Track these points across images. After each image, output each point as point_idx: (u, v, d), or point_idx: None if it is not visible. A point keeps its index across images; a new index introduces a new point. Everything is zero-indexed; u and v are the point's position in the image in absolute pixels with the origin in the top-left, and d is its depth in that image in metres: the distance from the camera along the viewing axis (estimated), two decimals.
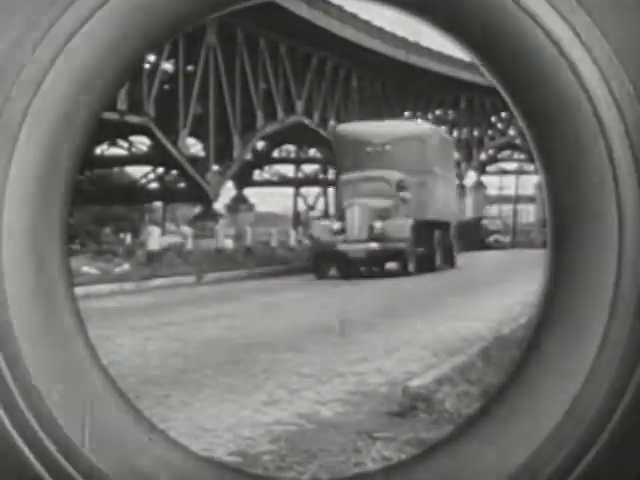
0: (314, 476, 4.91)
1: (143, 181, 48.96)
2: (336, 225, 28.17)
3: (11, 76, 2.00)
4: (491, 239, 72.58)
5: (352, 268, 28.06)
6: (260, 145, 55.87)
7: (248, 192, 57.36)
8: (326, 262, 27.75)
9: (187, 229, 40.10)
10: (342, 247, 27.29)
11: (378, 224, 27.43)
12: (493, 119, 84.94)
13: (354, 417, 6.33)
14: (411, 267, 27.54)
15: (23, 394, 1.98)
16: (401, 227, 27.61)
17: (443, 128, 40.89)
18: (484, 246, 69.05)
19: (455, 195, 36.47)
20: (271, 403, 6.87)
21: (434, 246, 30.14)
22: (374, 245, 27.20)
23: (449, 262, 32.21)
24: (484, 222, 76.24)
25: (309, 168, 68.41)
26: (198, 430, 6.01)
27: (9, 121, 2.00)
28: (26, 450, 1.99)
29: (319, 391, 7.35)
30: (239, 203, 54.69)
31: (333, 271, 28.42)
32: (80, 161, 2.12)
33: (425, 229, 29.05)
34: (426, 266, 28.66)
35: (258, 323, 13.73)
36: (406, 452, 5.23)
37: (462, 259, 36.82)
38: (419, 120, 35.59)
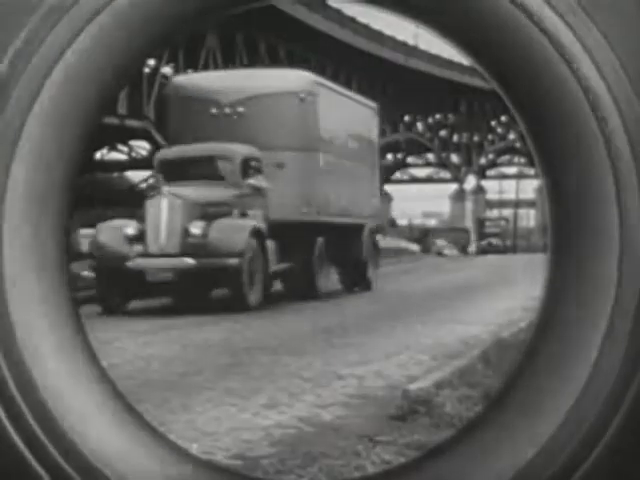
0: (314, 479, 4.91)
1: (143, 185, 48.96)
2: (130, 228, 16.90)
3: (11, 80, 2.01)
4: (484, 242, 72.47)
5: (164, 297, 17.97)
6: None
7: None
8: (116, 287, 16.44)
9: None
10: (137, 264, 16.45)
11: (197, 228, 16.86)
12: (493, 123, 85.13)
13: None
14: (253, 298, 16.84)
15: (23, 394, 1.98)
16: (233, 233, 16.88)
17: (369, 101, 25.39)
18: (479, 250, 69.00)
19: (373, 187, 24.75)
20: None
21: (313, 262, 19.59)
22: (188, 262, 16.50)
23: (361, 283, 22.42)
24: (487, 224, 76.22)
25: None
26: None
27: (9, 125, 2.01)
28: (26, 451, 1.99)
29: None
30: None
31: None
32: (80, 165, 2.12)
33: (302, 236, 19.33)
34: (305, 291, 19.23)
35: None
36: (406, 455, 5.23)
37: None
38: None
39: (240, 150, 18.29)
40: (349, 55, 52.35)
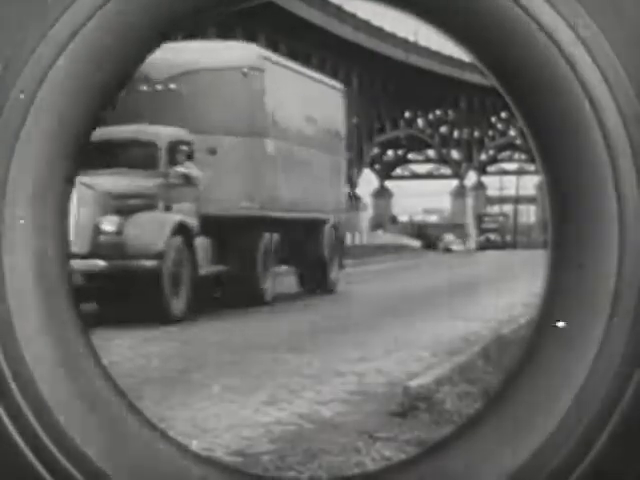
0: (314, 476, 4.92)
1: None
2: None
3: (11, 76, 2.01)
4: (481, 238, 72.44)
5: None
6: None
7: None
8: None
9: None
10: None
11: (110, 224, 14.46)
12: (493, 119, 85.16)
13: None
14: (176, 307, 14.31)
15: (23, 394, 1.99)
16: (152, 230, 14.47)
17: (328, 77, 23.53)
18: (478, 246, 69.02)
19: (338, 178, 21.68)
20: None
21: (257, 263, 16.89)
22: (98, 264, 14.19)
23: (322, 285, 19.98)
24: (485, 219, 76.29)
25: None
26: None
27: (8, 124, 2.01)
28: (27, 450, 1.99)
29: None
30: None
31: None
32: (80, 163, 2.12)
33: (245, 233, 16.71)
34: (248, 297, 16.64)
35: None
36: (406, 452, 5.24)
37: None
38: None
39: (166, 133, 15.73)
40: (350, 51, 52.30)
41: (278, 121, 17.74)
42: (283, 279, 19.17)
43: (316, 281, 19.93)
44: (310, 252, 19.59)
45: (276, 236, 17.92)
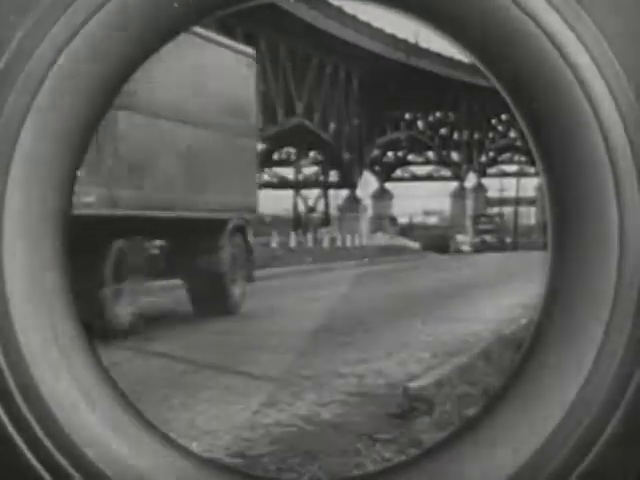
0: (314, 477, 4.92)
1: None
2: None
3: (12, 76, 2.01)
4: (477, 240, 72.25)
5: None
6: (260, 147, 55.97)
7: None
8: None
9: None
10: None
11: None
12: (493, 121, 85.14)
13: None
14: None
15: (23, 394, 1.99)
16: None
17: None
18: (474, 248, 68.93)
19: (243, 168, 16.91)
20: None
21: (103, 280, 12.98)
22: None
23: (220, 305, 15.63)
24: (482, 219, 76.12)
25: (309, 170, 68.49)
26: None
27: (8, 124, 2.00)
28: (26, 450, 1.99)
29: None
30: None
31: None
32: (80, 164, 2.12)
33: (87, 239, 11.47)
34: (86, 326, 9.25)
35: None
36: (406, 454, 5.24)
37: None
38: None
39: None
40: (350, 52, 52.28)
41: (145, 91, 13.42)
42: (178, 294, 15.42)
43: (212, 299, 15.59)
44: (202, 262, 15.57)
45: (148, 242, 14.23)
